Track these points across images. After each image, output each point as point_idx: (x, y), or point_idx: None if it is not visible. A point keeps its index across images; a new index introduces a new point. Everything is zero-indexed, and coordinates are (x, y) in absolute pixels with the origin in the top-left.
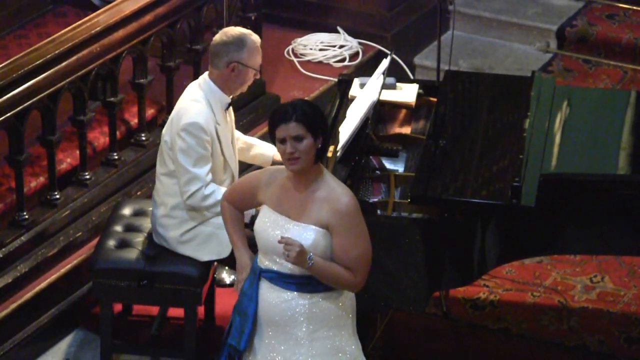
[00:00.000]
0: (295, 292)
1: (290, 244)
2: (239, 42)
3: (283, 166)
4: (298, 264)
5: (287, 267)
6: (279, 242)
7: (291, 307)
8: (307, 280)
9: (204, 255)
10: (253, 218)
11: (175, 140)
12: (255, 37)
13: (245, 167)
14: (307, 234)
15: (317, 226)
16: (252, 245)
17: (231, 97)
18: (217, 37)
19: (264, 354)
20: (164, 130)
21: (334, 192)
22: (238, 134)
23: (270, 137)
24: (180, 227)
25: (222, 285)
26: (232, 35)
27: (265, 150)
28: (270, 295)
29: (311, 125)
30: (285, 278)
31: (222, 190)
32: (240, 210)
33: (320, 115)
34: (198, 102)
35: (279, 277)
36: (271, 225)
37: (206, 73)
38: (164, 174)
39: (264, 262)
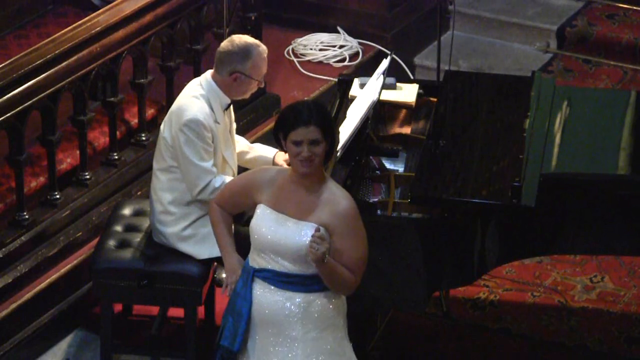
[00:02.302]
0: (290, 292)
1: (323, 239)
2: (244, 53)
3: (280, 167)
4: (317, 261)
5: (283, 265)
6: (314, 235)
7: (285, 307)
8: (302, 280)
9: (203, 253)
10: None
11: (178, 136)
12: (262, 48)
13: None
14: (306, 231)
15: (316, 224)
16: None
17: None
18: (224, 44)
19: (258, 355)
20: (162, 126)
21: (334, 195)
22: (239, 137)
23: (276, 137)
24: (178, 222)
25: (222, 285)
26: (238, 44)
27: (265, 153)
28: (264, 296)
29: (327, 129)
30: (280, 277)
31: (230, 179)
32: (230, 212)
33: (332, 118)
34: (198, 99)
35: (274, 277)
36: (269, 223)
37: (209, 72)
38: (161, 169)
39: (258, 261)
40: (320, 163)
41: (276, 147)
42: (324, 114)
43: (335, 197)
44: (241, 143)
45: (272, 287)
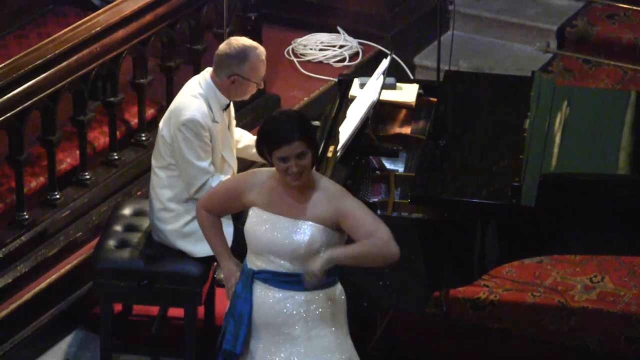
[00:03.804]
0: (290, 292)
1: (312, 276)
2: (241, 56)
3: (270, 169)
4: (323, 274)
5: (282, 265)
6: (306, 283)
7: (287, 307)
8: (302, 278)
9: (202, 251)
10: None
11: (176, 135)
12: (260, 50)
13: (248, 165)
14: (304, 229)
15: (315, 222)
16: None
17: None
18: (222, 47)
19: (261, 356)
20: (161, 124)
21: (326, 189)
22: (242, 131)
23: (261, 154)
24: (179, 219)
25: (222, 285)
26: (235, 47)
27: None
28: (265, 297)
29: (310, 138)
30: (280, 277)
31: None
32: (219, 216)
33: (311, 124)
34: (197, 98)
35: (274, 277)
36: (264, 225)
37: (209, 70)
38: (159, 167)
39: (256, 263)
40: (309, 172)
41: None
42: (305, 124)
43: (328, 189)
44: (245, 137)
45: (273, 288)
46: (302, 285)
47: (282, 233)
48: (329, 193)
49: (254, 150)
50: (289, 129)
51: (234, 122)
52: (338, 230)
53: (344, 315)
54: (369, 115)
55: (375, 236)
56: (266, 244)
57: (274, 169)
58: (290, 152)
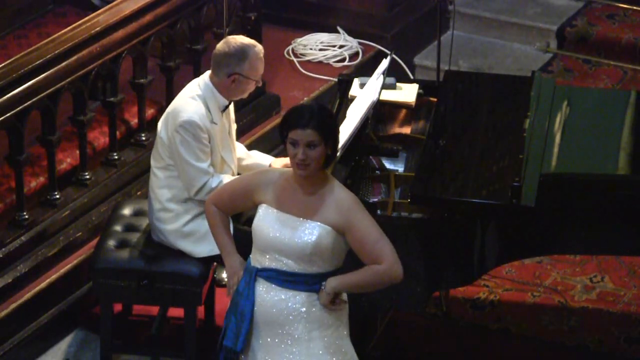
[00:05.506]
0: (293, 291)
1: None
2: (241, 54)
3: (282, 169)
4: (336, 302)
5: (286, 264)
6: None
7: (289, 306)
8: (305, 278)
9: (203, 251)
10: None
11: (174, 137)
12: (258, 48)
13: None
14: (312, 230)
15: (323, 224)
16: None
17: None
18: (220, 46)
19: (261, 355)
20: (159, 125)
21: (338, 195)
22: (237, 144)
23: (280, 134)
24: (179, 219)
25: (222, 285)
26: (234, 46)
27: (262, 160)
28: (267, 295)
29: (326, 133)
30: (284, 276)
31: (228, 178)
32: (227, 213)
33: (334, 123)
34: (195, 100)
35: (278, 276)
36: (273, 223)
37: (208, 73)
38: (158, 167)
39: (261, 261)
40: (317, 167)
41: (272, 154)
42: (325, 118)
43: (340, 197)
44: (239, 149)
45: (275, 286)
46: (305, 285)
47: (290, 232)
48: (341, 203)
49: (245, 162)
50: (307, 116)
51: (234, 124)
52: (344, 235)
53: (345, 317)
54: (369, 115)
55: (378, 262)
56: (273, 242)
57: (285, 168)
58: (301, 138)
